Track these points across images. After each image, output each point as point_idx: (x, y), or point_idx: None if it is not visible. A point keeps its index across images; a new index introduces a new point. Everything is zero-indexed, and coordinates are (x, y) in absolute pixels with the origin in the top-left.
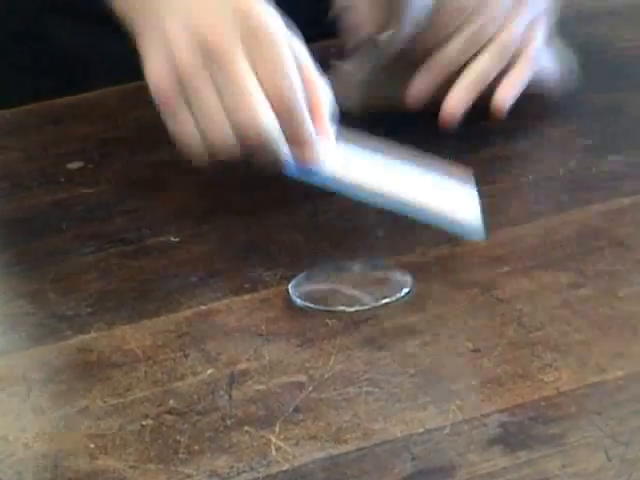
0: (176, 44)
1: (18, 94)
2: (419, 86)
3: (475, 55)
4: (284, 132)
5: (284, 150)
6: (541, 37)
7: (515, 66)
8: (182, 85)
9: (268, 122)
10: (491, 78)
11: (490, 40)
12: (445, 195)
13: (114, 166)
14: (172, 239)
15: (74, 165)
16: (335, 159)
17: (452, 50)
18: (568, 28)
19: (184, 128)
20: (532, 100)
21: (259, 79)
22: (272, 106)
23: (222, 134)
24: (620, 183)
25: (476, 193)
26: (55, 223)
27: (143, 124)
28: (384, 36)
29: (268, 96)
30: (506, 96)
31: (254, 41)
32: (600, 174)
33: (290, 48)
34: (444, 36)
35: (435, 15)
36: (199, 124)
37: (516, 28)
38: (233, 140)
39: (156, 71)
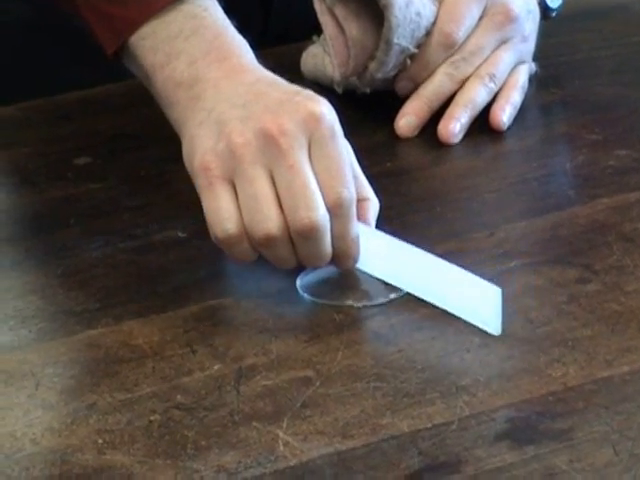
0: (235, 131)
1: (29, 87)
2: (409, 116)
3: (463, 84)
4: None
5: (328, 246)
6: (525, 74)
7: (505, 90)
8: (232, 169)
9: (324, 223)
10: (481, 106)
11: (478, 69)
12: (469, 290)
13: (122, 162)
14: (180, 235)
15: (82, 161)
16: (367, 254)
17: (441, 78)
18: (577, 23)
19: (221, 207)
20: (538, 95)
21: (317, 179)
22: (326, 206)
23: (269, 226)
24: (628, 178)
25: (500, 291)
26: (63, 219)
27: (151, 120)
28: (373, 64)
29: (323, 196)
30: (501, 117)
31: (320, 145)
32: (607, 169)
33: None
34: (431, 65)
35: (423, 44)
36: (244, 211)
37: (503, 61)
38: (278, 233)
39: (205, 148)
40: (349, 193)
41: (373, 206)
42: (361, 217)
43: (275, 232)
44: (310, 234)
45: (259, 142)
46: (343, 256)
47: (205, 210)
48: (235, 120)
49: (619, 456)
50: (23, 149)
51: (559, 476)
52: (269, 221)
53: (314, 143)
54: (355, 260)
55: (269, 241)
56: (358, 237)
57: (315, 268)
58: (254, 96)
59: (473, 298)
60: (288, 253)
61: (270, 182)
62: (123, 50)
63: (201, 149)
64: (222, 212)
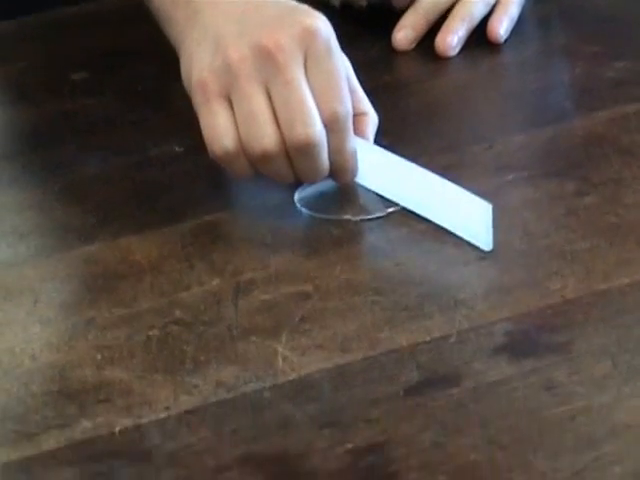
0: (232, 46)
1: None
2: (407, 29)
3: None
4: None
5: (325, 161)
6: None
7: (502, 2)
8: (229, 85)
9: (321, 138)
10: (479, 18)
11: None
12: (461, 205)
13: (119, 77)
14: (177, 150)
15: (78, 76)
16: (365, 169)
17: None
18: None
19: (218, 123)
20: (536, 7)
21: (313, 95)
22: (322, 121)
23: (265, 141)
24: (626, 90)
25: (491, 207)
26: (60, 134)
27: (149, 35)
28: None
29: (319, 111)
30: (499, 29)
31: (316, 60)
32: (606, 81)
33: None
34: None
35: None
36: (240, 128)
37: None
38: (275, 149)
39: (202, 64)
40: (345, 108)
41: (371, 120)
42: (359, 131)
43: (272, 148)
44: (307, 149)
45: (255, 57)
46: (340, 170)
47: (202, 127)
48: (231, 35)
49: (618, 368)
50: (20, 64)
51: (558, 388)
52: (266, 137)
53: (310, 58)
54: (353, 174)
55: (266, 157)
56: (355, 151)
57: (314, 184)
58: (251, 11)
59: (465, 214)
60: (285, 168)
61: (267, 98)
62: None
63: (198, 66)
64: (219, 128)
